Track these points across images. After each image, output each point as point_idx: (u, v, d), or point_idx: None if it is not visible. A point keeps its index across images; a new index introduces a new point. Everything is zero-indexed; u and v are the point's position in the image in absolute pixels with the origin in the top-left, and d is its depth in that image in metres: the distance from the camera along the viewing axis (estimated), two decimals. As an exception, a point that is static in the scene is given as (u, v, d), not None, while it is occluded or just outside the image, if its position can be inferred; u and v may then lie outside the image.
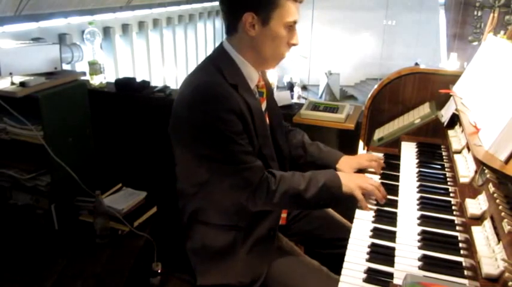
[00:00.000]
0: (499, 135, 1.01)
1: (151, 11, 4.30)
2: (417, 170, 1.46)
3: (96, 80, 2.37)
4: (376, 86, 1.81)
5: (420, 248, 1.09)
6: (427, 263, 1.02)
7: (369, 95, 1.81)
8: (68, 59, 2.81)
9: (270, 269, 1.33)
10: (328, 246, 1.54)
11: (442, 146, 1.61)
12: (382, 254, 1.09)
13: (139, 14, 4.05)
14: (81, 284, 1.64)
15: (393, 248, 1.10)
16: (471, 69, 1.54)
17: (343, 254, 1.11)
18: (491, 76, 1.32)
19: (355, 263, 1.07)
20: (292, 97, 5.00)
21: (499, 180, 1.08)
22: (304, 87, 8.85)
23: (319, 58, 8.58)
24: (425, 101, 1.76)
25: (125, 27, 3.83)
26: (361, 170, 1.51)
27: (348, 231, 1.44)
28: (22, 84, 1.81)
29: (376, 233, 1.17)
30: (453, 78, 1.64)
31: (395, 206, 1.28)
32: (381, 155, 1.64)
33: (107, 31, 3.54)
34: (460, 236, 1.12)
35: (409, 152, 1.60)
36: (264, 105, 1.41)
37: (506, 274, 0.84)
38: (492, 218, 1.00)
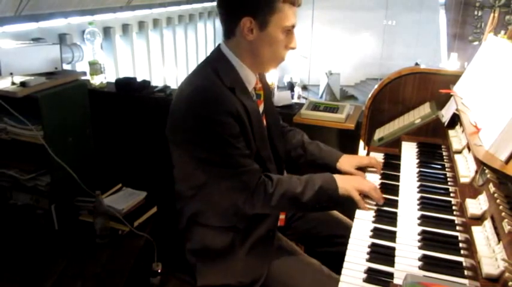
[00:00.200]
0: (500, 135, 1.01)
1: (152, 11, 4.29)
2: (417, 170, 1.46)
3: (96, 80, 2.37)
4: (376, 86, 1.81)
5: (420, 248, 1.09)
6: (427, 263, 1.02)
7: (369, 95, 1.81)
8: (68, 59, 2.81)
9: (270, 269, 1.33)
10: (327, 244, 1.54)
11: (442, 146, 1.61)
12: (382, 254, 1.09)
13: (140, 14, 4.05)
14: (81, 284, 1.64)
15: (393, 248, 1.10)
16: (471, 69, 1.54)
17: (343, 252, 1.11)
18: (492, 76, 1.32)
19: (355, 263, 1.07)
20: (292, 97, 4.99)
21: (500, 180, 1.08)
22: (304, 87, 8.85)
23: (319, 58, 8.57)
24: (425, 101, 1.75)
25: (125, 27, 3.83)
26: (361, 169, 1.51)
27: (347, 228, 1.45)
28: (22, 84, 1.81)
29: (377, 233, 1.17)
30: (453, 78, 1.63)
31: (396, 206, 1.28)
32: (381, 155, 1.64)
33: (107, 31, 3.53)
34: (461, 236, 1.11)
35: (409, 152, 1.60)
36: (261, 108, 1.41)
37: (507, 274, 0.84)
38: (492, 218, 1.00)
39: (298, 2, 1.26)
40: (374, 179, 1.46)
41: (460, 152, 1.38)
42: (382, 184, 1.43)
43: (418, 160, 1.53)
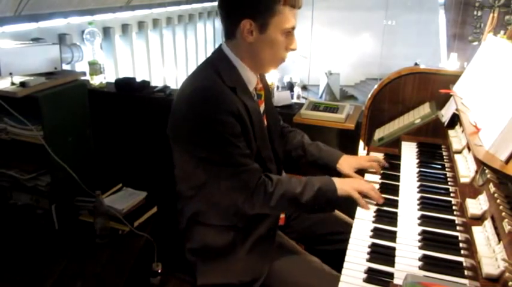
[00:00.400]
0: (500, 135, 1.01)
1: (151, 11, 4.29)
2: (417, 170, 1.46)
3: (96, 80, 2.37)
4: (376, 86, 1.81)
5: (420, 248, 1.09)
6: (428, 263, 1.02)
7: (369, 95, 1.81)
8: (68, 59, 2.81)
9: (271, 267, 1.34)
10: (327, 242, 1.55)
11: (442, 146, 1.61)
12: (382, 254, 1.09)
13: (139, 14, 4.04)
14: (81, 284, 1.64)
15: (393, 248, 1.10)
16: (471, 69, 1.54)
17: (343, 250, 1.11)
18: (492, 76, 1.32)
19: (355, 263, 1.07)
20: (292, 97, 4.99)
21: (500, 180, 1.08)
22: (304, 87, 8.85)
23: (319, 58, 8.57)
24: (425, 101, 1.76)
25: (125, 28, 3.83)
26: (361, 171, 1.51)
27: (347, 225, 1.46)
28: (22, 84, 1.81)
29: (377, 233, 1.17)
30: (453, 78, 1.64)
31: (396, 206, 1.28)
32: (381, 155, 1.64)
33: (106, 31, 3.53)
34: (461, 236, 1.12)
35: (409, 152, 1.60)
36: (262, 108, 1.41)
37: (507, 274, 0.84)
38: (492, 218, 1.00)
39: (298, 4, 1.26)
40: (374, 179, 1.47)
41: (460, 152, 1.38)
42: (382, 184, 1.43)
43: (418, 160, 1.53)
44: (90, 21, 2.47)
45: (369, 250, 1.11)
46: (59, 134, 1.94)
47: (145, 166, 2.43)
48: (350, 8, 8.29)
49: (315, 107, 2.02)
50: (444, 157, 1.54)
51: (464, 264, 1.02)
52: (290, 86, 8.04)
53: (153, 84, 2.54)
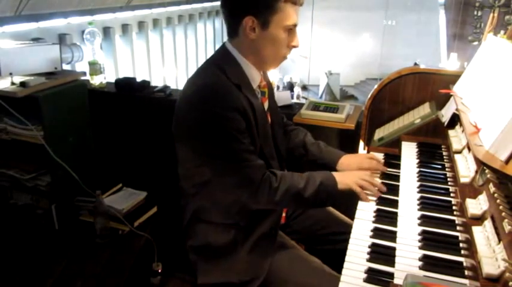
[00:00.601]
0: (500, 135, 1.01)
1: (151, 11, 4.30)
2: (417, 170, 1.46)
3: (96, 80, 2.37)
4: (376, 86, 1.81)
5: (421, 248, 1.09)
6: (428, 263, 1.02)
7: (369, 95, 1.81)
8: (68, 59, 2.81)
9: (272, 267, 1.34)
10: (327, 242, 1.56)
11: (442, 146, 1.61)
12: (382, 254, 1.09)
13: (139, 14, 4.05)
14: (81, 284, 1.64)
15: (394, 248, 1.10)
16: (471, 69, 1.54)
17: (343, 250, 1.11)
18: (492, 76, 1.32)
19: (355, 263, 1.07)
20: (292, 97, 4.99)
21: (500, 180, 1.08)
22: (304, 87, 8.86)
23: (319, 58, 8.58)
24: (425, 101, 1.75)
25: (125, 28, 3.83)
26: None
27: (346, 225, 1.46)
28: (22, 84, 1.81)
29: (377, 233, 1.17)
30: (453, 78, 1.63)
31: (396, 206, 1.28)
32: (381, 155, 1.64)
33: (106, 31, 3.54)
34: (461, 236, 1.12)
35: (409, 152, 1.60)
36: (266, 105, 1.43)
37: (507, 274, 0.84)
38: (492, 218, 1.00)
39: (300, 1, 1.27)
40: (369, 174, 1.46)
41: (460, 152, 1.38)
42: (382, 184, 1.43)
43: (418, 160, 1.53)
44: (90, 21, 2.47)
45: (369, 250, 1.11)
46: (59, 134, 1.94)
47: (146, 166, 2.43)
48: (350, 8, 8.30)
49: (315, 107, 2.02)
50: (444, 157, 1.54)
51: (464, 264, 1.02)
52: (290, 86, 8.04)
53: (153, 84, 2.54)
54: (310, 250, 1.47)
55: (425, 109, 1.70)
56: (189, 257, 1.42)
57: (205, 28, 5.95)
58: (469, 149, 1.29)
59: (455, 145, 1.41)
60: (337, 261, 1.15)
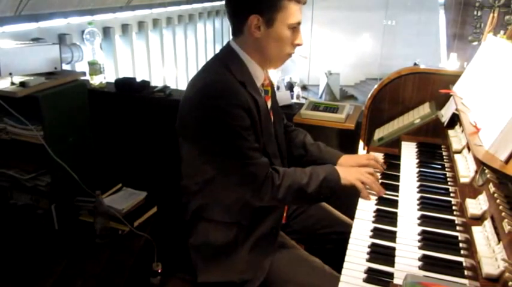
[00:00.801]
0: (499, 135, 1.01)
1: (151, 11, 4.29)
2: (417, 170, 1.46)
3: (96, 80, 2.37)
4: (376, 86, 1.81)
5: (420, 248, 1.09)
6: (427, 263, 1.02)
7: (369, 95, 1.81)
8: (67, 59, 2.81)
9: (272, 266, 1.34)
10: (328, 241, 1.56)
11: (442, 146, 1.61)
12: (382, 254, 1.09)
13: (139, 14, 4.04)
14: (81, 284, 1.64)
15: (393, 248, 1.10)
16: (471, 69, 1.54)
17: (343, 250, 1.11)
18: (491, 76, 1.32)
19: (355, 263, 1.07)
20: (292, 97, 4.99)
21: (499, 180, 1.08)
22: (304, 87, 8.85)
23: (319, 58, 8.58)
24: (425, 101, 1.76)
25: (125, 28, 3.83)
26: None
27: (346, 225, 1.46)
28: (22, 84, 1.81)
29: (377, 233, 1.17)
30: (453, 78, 1.64)
31: (396, 206, 1.28)
32: (381, 155, 1.64)
33: (106, 31, 3.53)
34: (461, 236, 1.12)
35: (409, 152, 1.60)
36: (269, 104, 1.44)
37: (507, 274, 0.84)
38: (492, 218, 1.00)
39: (303, 0, 1.29)
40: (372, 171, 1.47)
41: (459, 152, 1.38)
42: (382, 184, 1.43)
43: (418, 160, 1.53)
44: (90, 21, 2.47)
45: (368, 250, 1.11)
46: (59, 134, 1.94)
47: (145, 166, 2.43)
48: (350, 8, 8.30)
49: (315, 107, 2.02)
50: (444, 157, 1.54)
51: (464, 264, 1.02)
52: (290, 86, 8.04)
53: (153, 84, 2.54)
54: (310, 250, 1.47)
55: (425, 109, 1.70)
56: (189, 256, 1.43)
57: (205, 28, 5.95)
58: (469, 149, 1.29)
59: (455, 145, 1.41)
60: (337, 261, 1.16)
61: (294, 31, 1.30)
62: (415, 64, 2.58)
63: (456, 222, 1.18)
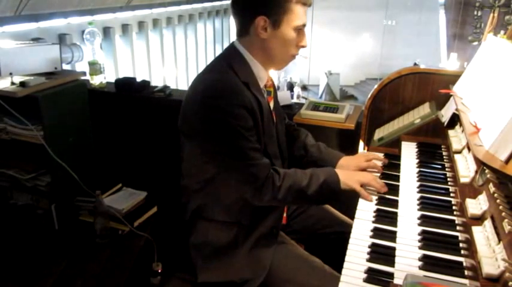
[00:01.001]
0: (499, 135, 1.01)
1: (151, 11, 4.29)
2: (417, 170, 1.46)
3: (96, 80, 2.37)
4: (376, 86, 1.81)
5: (420, 248, 1.09)
6: (428, 263, 1.02)
7: (369, 95, 1.81)
8: (68, 59, 2.81)
9: (272, 266, 1.34)
10: (328, 241, 1.56)
11: (442, 146, 1.61)
12: (382, 254, 1.09)
13: (139, 14, 4.04)
14: (81, 284, 1.64)
15: (393, 248, 1.10)
16: (471, 69, 1.54)
17: (343, 250, 1.11)
18: (492, 76, 1.32)
19: (355, 263, 1.07)
20: (292, 97, 5.00)
21: (500, 180, 1.08)
22: (304, 87, 8.86)
23: (319, 58, 8.58)
24: (425, 101, 1.76)
25: (125, 28, 3.83)
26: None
27: (346, 225, 1.47)
28: (22, 84, 1.81)
29: (377, 233, 1.17)
30: (453, 78, 1.64)
31: (396, 206, 1.28)
32: (381, 155, 1.63)
33: (106, 31, 3.53)
34: (461, 236, 1.12)
35: (409, 152, 1.60)
36: (271, 104, 1.44)
37: (507, 274, 0.84)
38: (492, 218, 1.00)
39: (308, 2, 1.30)
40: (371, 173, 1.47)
41: (459, 152, 1.38)
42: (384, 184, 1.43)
43: (418, 160, 1.53)
44: (90, 21, 2.47)
45: (369, 250, 1.11)
46: (59, 134, 1.94)
47: (145, 166, 2.43)
48: (350, 8, 8.30)
49: (315, 107, 2.02)
50: (444, 157, 1.54)
51: (464, 264, 1.02)
52: (290, 86, 8.04)
53: (153, 84, 2.54)
54: (310, 250, 1.47)
55: (425, 109, 1.70)
56: (189, 256, 1.43)
57: (205, 28, 5.95)
58: (469, 149, 1.29)
59: (455, 144, 1.41)
60: (337, 261, 1.16)
61: (299, 33, 1.31)
62: (415, 64, 2.58)
63: (456, 222, 1.18)
